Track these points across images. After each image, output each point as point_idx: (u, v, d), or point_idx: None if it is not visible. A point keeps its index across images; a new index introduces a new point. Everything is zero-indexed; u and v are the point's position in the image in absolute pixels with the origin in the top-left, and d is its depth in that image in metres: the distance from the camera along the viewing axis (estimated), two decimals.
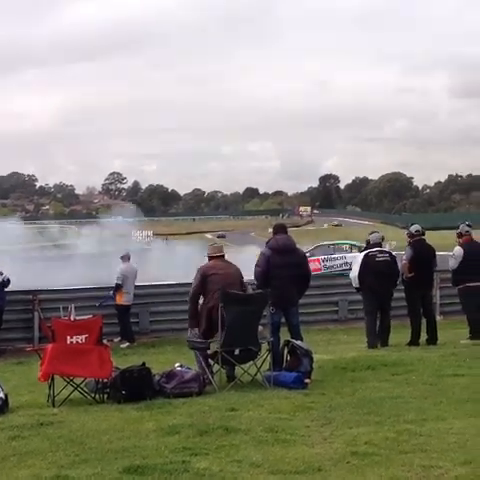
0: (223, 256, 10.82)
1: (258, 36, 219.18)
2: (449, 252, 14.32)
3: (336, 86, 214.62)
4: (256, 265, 11.22)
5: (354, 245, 34.91)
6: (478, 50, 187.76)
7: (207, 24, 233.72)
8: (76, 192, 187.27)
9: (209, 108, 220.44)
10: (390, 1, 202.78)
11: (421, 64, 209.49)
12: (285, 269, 10.99)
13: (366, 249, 14.03)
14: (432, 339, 13.64)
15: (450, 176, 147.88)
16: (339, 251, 34.74)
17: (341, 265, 31.91)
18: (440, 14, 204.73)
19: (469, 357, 11.43)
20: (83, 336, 9.42)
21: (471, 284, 13.78)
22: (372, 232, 14.44)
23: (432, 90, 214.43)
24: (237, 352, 9.90)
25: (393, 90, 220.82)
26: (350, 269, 15.09)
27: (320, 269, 31.68)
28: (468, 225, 14.29)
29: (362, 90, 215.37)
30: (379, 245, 13.92)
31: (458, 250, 13.98)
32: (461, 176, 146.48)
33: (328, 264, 32.99)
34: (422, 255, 13.86)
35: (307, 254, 27.71)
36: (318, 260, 32.99)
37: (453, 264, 14.00)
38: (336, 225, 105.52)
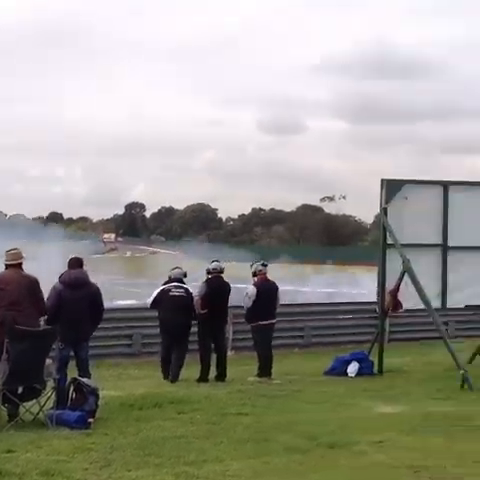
0: (20, 264, 10.11)
1: (76, 59, 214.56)
2: (246, 285, 14.70)
3: (149, 114, 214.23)
4: (47, 298, 10.91)
5: None
6: (287, 87, 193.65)
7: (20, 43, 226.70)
8: None
9: (17, 128, 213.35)
10: (206, 36, 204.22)
11: (232, 97, 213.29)
12: (76, 303, 10.80)
13: (166, 284, 14.10)
14: (221, 375, 13.87)
15: (253, 209, 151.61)
16: None
17: None
18: (259, 48, 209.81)
19: (254, 395, 11.71)
20: None
21: (263, 322, 14.18)
22: (175, 268, 14.53)
23: (241, 123, 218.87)
24: (20, 390, 9.59)
25: (204, 121, 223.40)
26: None
27: None
28: (262, 265, 14.67)
29: (173, 119, 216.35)
30: (179, 280, 14.04)
31: (252, 289, 14.30)
32: (264, 210, 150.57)
33: None
34: (216, 292, 14.09)
35: None
36: None
37: (247, 303, 14.32)
38: (152, 253, 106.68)
